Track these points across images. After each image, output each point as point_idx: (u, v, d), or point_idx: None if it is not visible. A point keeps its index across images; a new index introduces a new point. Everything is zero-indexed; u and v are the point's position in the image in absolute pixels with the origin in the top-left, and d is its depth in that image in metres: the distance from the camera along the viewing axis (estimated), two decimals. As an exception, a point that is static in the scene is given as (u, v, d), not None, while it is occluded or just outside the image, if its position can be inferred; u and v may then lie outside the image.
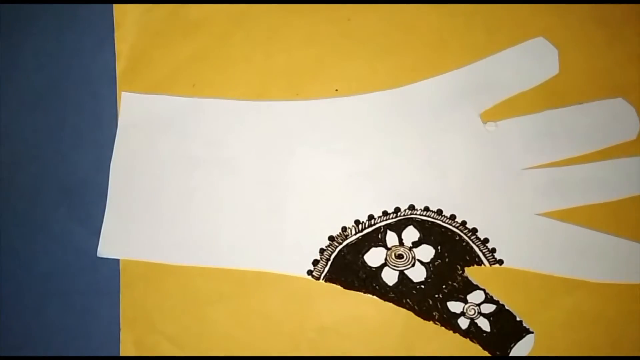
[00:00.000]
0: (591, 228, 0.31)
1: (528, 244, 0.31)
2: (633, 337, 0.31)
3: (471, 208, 0.31)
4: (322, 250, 0.32)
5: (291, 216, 0.32)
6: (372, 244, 0.32)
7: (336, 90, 0.33)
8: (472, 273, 0.31)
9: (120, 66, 0.33)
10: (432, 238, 0.31)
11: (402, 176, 0.32)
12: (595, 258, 0.31)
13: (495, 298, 0.31)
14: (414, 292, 0.31)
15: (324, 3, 0.34)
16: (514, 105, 0.32)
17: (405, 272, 0.31)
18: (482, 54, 0.32)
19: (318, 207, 0.32)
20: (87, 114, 0.33)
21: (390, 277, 0.31)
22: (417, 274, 0.31)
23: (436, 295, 0.31)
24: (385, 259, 0.31)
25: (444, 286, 0.31)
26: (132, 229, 0.32)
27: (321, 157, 0.32)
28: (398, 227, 0.32)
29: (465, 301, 0.31)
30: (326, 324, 0.32)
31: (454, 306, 0.31)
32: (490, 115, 0.32)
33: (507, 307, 0.31)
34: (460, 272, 0.31)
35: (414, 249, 0.31)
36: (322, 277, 0.32)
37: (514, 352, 0.30)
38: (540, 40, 0.32)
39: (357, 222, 0.32)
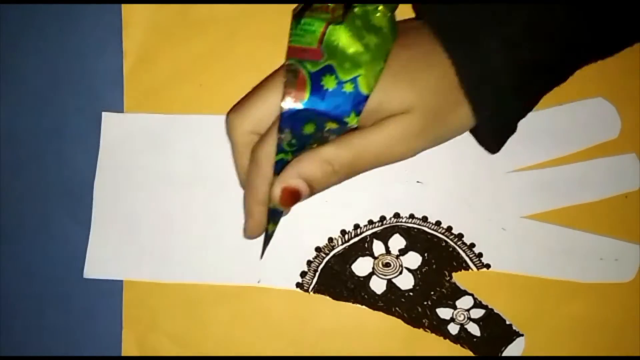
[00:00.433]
0: (577, 228, 0.31)
1: (515, 247, 0.31)
2: (624, 339, 0.31)
3: (456, 214, 0.31)
4: (309, 262, 0.32)
5: (277, 229, 0.32)
6: (359, 254, 0.32)
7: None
8: (460, 279, 0.31)
9: (127, 65, 0.33)
10: (419, 245, 0.31)
11: (386, 184, 0.32)
12: (582, 258, 0.31)
13: (484, 302, 0.31)
14: (402, 300, 0.31)
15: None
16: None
17: (393, 280, 0.31)
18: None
19: (304, 219, 0.32)
20: (90, 114, 0.33)
21: (378, 286, 0.31)
22: (405, 281, 0.31)
23: (425, 303, 0.31)
24: (373, 268, 0.31)
25: (432, 293, 0.31)
26: (116, 249, 0.32)
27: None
28: (384, 236, 0.32)
29: (454, 307, 0.31)
30: (326, 324, 0.32)
31: (443, 312, 0.31)
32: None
33: (496, 311, 0.31)
34: (448, 278, 0.31)
35: (401, 257, 0.31)
36: (310, 288, 0.31)
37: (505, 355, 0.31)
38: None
39: (343, 232, 0.32)
